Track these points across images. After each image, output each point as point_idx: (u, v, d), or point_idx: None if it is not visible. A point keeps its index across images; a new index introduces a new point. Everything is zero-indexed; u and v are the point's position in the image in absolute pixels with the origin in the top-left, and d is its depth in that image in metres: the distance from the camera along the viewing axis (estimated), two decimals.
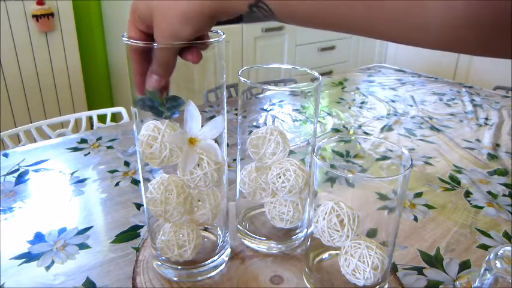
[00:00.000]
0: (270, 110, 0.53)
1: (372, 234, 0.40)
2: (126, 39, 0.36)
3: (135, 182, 0.67)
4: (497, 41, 0.24)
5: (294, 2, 0.29)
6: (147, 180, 0.42)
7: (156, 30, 0.34)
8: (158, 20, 0.33)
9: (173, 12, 0.31)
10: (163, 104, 0.39)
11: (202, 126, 0.39)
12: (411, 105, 1.07)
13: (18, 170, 0.70)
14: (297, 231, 0.50)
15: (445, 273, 0.49)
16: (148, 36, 0.35)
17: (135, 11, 0.35)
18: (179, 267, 0.45)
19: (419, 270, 0.49)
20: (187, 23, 0.32)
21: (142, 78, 0.37)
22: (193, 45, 0.35)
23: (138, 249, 0.51)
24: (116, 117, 1.19)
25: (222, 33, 0.39)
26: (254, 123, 0.49)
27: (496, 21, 0.23)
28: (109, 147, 0.79)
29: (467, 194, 0.66)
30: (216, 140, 0.39)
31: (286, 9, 0.30)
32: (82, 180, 0.67)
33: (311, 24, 0.31)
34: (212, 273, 0.46)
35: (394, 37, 0.27)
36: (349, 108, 1.04)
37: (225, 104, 0.42)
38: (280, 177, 0.44)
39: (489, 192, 0.66)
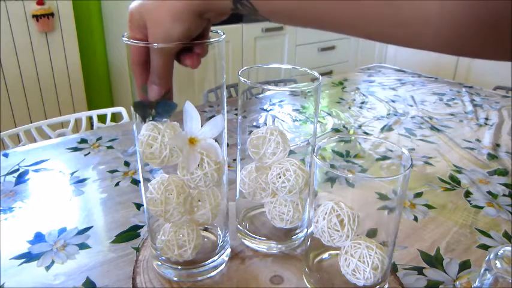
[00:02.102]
0: (270, 110, 0.53)
1: (372, 234, 0.40)
2: (126, 39, 0.36)
3: (135, 182, 0.67)
4: (496, 41, 0.24)
5: (275, 1, 0.30)
6: (147, 180, 0.42)
7: (149, 35, 0.34)
8: (150, 23, 0.34)
9: (163, 13, 0.32)
10: (155, 108, 0.38)
11: (202, 125, 0.39)
12: (411, 105, 1.07)
13: (18, 170, 0.70)
14: (297, 231, 0.50)
15: (445, 273, 0.49)
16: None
17: (132, 21, 0.35)
18: (179, 267, 0.45)
19: (419, 270, 0.49)
20: (177, 21, 0.33)
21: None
22: (191, 45, 0.36)
23: (138, 249, 0.51)
24: (116, 117, 1.19)
25: (222, 33, 0.39)
26: (254, 123, 0.49)
27: (495, 22, 0.23)
28: (109, 147, 0.79)
29: (467, 194, 0.66)
30: (216, 140, 0.39)
31: (268, 7, 0.31)
32: (82, 180, 0.67)
33: (292, 22, 0.31)
34: (212, 273, 0.46)
35: (380, 36, 0.27)
36: (349, 108, 1.04)
37: (225, 104, 0.42)
38: (280, 177, 0.44)
39: (489, 192, 0.66)
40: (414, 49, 0.27)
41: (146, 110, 0.38)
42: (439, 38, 0.25)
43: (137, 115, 0.40)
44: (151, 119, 0.38)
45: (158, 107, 0.38)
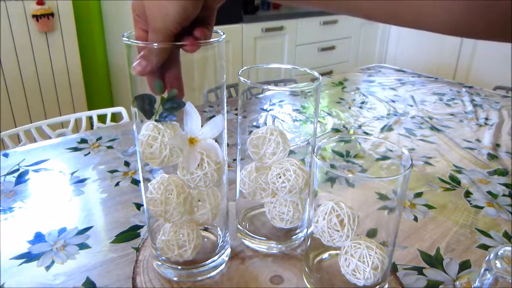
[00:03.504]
0: (270, 110, 0.53)
1: (372, 234, 0.40)
2: (126, 39, 0.36)
3: (135, 182, 0.67)
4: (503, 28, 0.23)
5: None
6: (147, 180, 0.42)
7: (148, 17, 0.34)
8: (148, 4, 0.34)
9: None
10: (162, 104, 0.38)
11: (202, 126, 0.39)
12: (411, 105, 1.07)
13: (18, 170, 0.70)
14: (297, 231, 0.50)
15: (445, 273, 0.49)
16: None
17: (134, 11, 0.35)
18: (179, 267, 0.45)
19: (419, 270, 0.49)
20: None
21: (152, 77, 0.38)
22: (193, 42, 0.35)
23: (138, 249, 0.51)
24: (116, 117, 1.19)
25: (222, 33, 0.39)
26: (254, 123, 0.49)
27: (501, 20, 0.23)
28: (109, 147, 0.79)
29: (467, 194, 0.66)
30: (216, 140, 0.39)
31: None
32: (82, 180, 0.67)
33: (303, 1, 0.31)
34: (212, 273, 0.46)
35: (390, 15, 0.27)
36: (349, 108, 1.04)
37: (225, 104, 0.42)
38: (280, 177, 0.44)
39: (489, 192, 0.66)
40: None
41: (148, 104, 0.38)
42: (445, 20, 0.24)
43: (137, 114, 0.40)
44: (157, 116, 0.38)
45: (166, 103, 0.38)
